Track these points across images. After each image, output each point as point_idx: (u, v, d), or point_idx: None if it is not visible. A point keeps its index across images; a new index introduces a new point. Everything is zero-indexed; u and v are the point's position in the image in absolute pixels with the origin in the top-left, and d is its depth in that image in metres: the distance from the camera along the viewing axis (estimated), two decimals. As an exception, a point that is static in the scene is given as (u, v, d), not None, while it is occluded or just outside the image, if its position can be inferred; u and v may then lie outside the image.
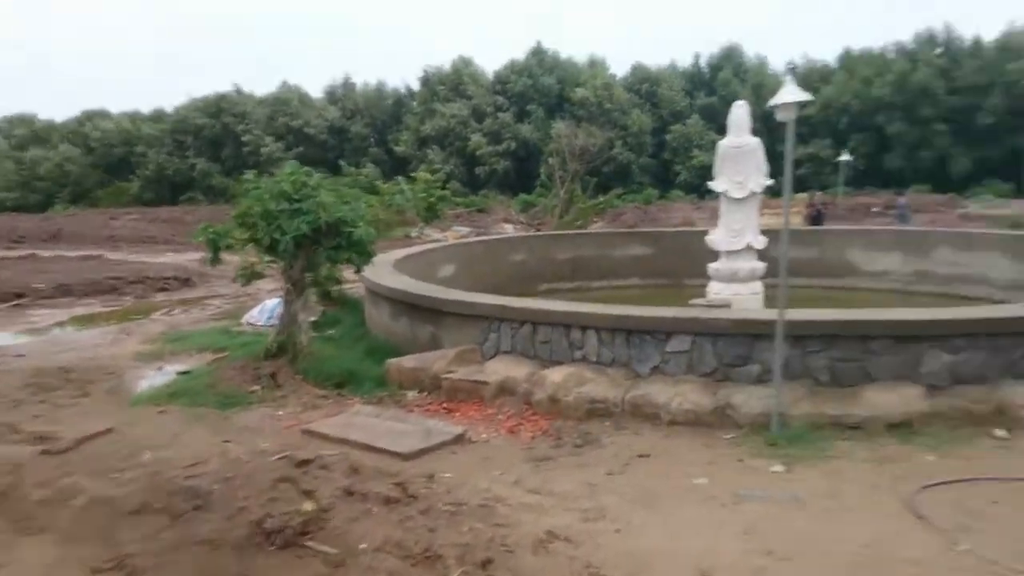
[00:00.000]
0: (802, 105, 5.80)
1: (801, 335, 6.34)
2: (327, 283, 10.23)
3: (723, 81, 55.18)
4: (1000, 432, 5.67)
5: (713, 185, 11.83)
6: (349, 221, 7.99)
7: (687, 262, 14.46)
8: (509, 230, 28.94)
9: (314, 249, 8.19)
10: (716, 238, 11.91)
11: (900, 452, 5.46)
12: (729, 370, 6.60)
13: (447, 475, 5.21)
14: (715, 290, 11.92)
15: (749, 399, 6.25)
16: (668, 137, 54.03)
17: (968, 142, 49.66)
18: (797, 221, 23.99)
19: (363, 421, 6.65)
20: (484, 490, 4.90)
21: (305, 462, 4.72)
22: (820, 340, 6.33)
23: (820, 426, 5.93)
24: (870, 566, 3.94)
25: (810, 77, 52.95)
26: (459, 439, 6.20)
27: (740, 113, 11.43)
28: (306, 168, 8.52)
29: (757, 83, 52.15)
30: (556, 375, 7.02)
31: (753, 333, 6.48)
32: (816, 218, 20.50)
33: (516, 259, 15.85)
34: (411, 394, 7.52)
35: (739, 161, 11.38)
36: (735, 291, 11.58)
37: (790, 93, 5.70)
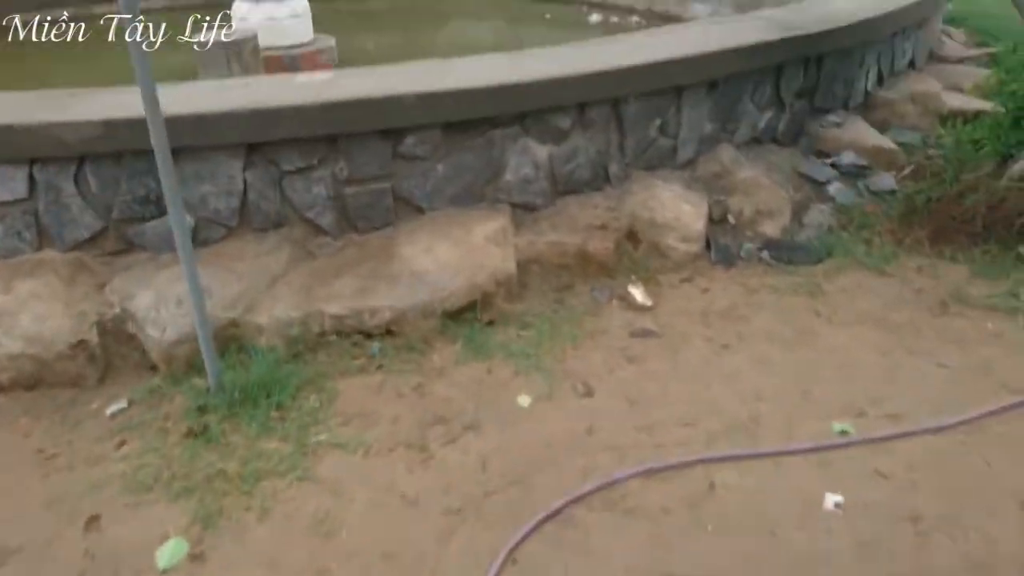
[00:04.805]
0: None
1: (260, 142, 2.87)
2: None
3: None
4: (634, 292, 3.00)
5: None
6: None
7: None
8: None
9: None
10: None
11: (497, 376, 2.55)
12: (128, 230, 2.99)
13: None
14: (241, 13, 7.85)
15: (164, 301, 2.79)
16: None
17: None
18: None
19: None
20: None
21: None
22: (299, 147, 2.91)
23: (317, 345, 2.76)
24: None
25: None
26: None
27: None
28: None
29: None
30: None
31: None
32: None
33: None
34: None
35: None
36: (269, 13, 7.59)
37: None
